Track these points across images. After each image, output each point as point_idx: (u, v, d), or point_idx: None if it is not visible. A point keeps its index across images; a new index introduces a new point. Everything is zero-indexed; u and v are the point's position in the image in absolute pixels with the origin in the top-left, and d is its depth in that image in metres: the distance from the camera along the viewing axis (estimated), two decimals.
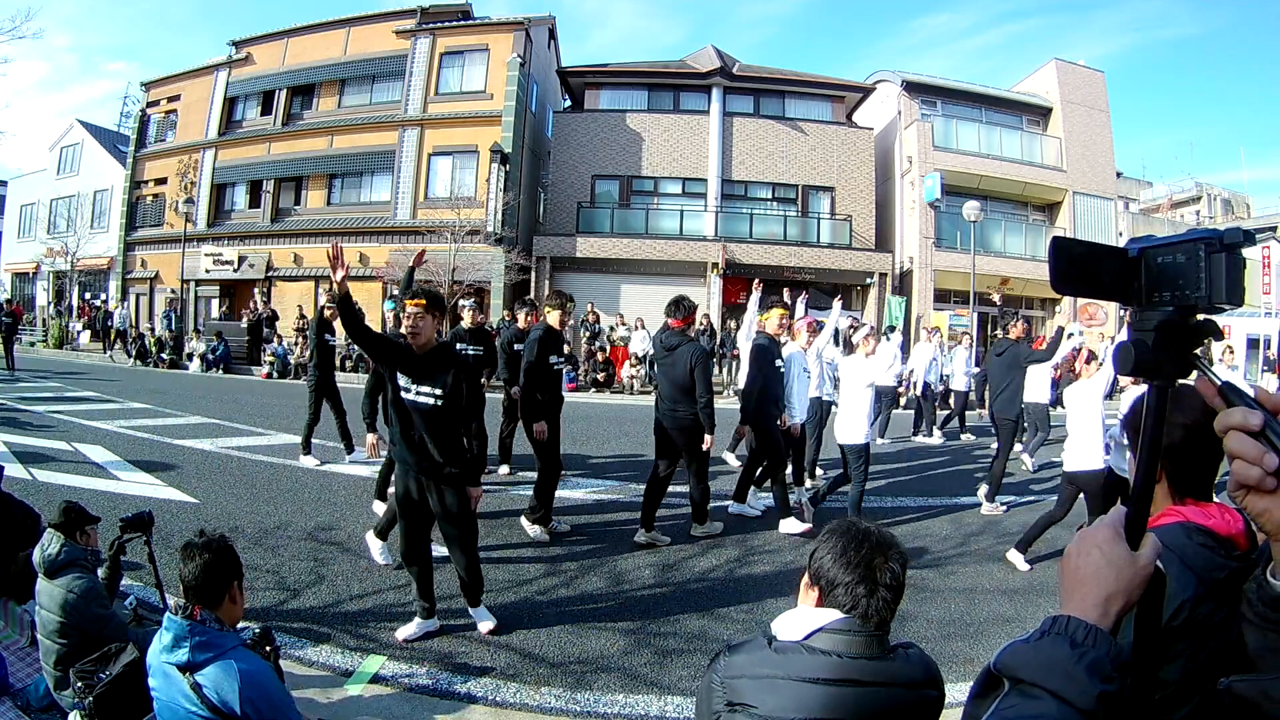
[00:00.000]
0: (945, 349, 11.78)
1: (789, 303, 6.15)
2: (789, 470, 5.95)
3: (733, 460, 7.52)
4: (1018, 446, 7.98)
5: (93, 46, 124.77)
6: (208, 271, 22.04)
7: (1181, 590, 1.05)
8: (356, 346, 3.56)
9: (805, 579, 1.38)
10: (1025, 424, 8.13)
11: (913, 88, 20.86)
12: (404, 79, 20.44)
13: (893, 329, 16.13)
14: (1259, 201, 34.12)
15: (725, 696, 1.28)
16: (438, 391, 3.40)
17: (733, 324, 17.80)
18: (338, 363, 7.92)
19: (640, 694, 3.14)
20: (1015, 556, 4.97)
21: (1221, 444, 0.73)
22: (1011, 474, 7.42)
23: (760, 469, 5.89)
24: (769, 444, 5.52)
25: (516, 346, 6.10)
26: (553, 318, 5.08)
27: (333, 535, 4.99)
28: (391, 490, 4.13)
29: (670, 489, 5.30)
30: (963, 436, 10.49)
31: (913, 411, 11.15)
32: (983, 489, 6.44)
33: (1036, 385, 8.14)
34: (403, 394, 3.43)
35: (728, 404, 8.51)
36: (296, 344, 15.85)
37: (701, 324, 14.77)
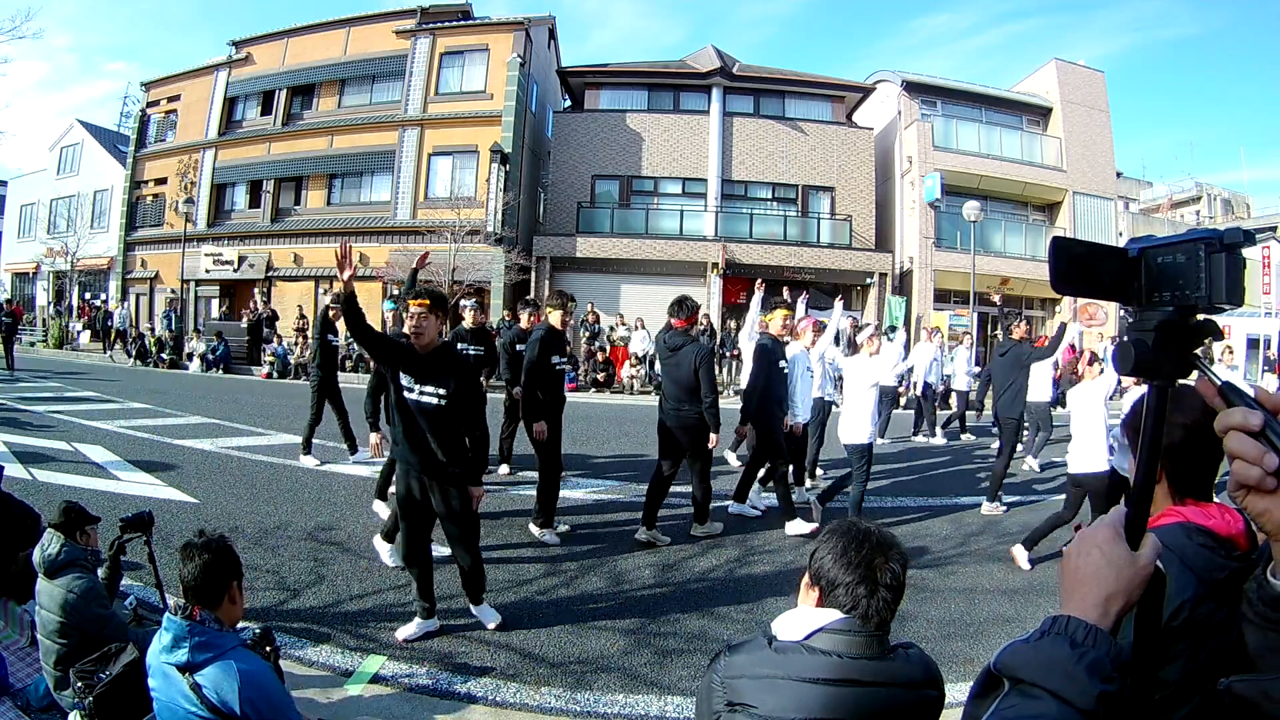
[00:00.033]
0: (945, 349, 11.78)
1: (790, 302, 6.14)
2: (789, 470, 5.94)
3: (733, 460, 7.52)
4: (1020, 449, 7.98)
5: (93, 46, 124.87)
6: (208, 271, 22.05)
7: (1181, 591, 1.05)
8: (358, 346, 3.56)
9: (805, 579, 1.38)
10: (1027, 424, 8.14)
11: (913, 88, 20.86)
12: (404, 79, 20.44)
13: (894, 329, 16.14)
14: (1259, 201, 34.16)
15: (725, 696, 1.28)
16: (441, 391, 3.41)
17: (733, 324, 17.83)
18: (338, 363, 7.90)
19: (640, 694, 3.14)
20: (1019, 552, 4.97)
21: (1221, 444, 0.73)
22: (1013, 474, 7.44)
23: (763, 470, 5.89)
24: (772, 445, 5.51)
25: (519, 347, 6.09)
26: (554, 318, 5.07)
27: (333, 535, 4.99)
28: (392, 491, 4.13)
29: (671, 489, 5.31)
30: (963, 437, 10.49)
31: (913, 412, 11.15)
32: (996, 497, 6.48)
33: (1037, 384, 8.16)
34: (405, 394, 3.43)
35: (728, 404, 8.51)
36: (296, 344, 15.86)
37: (701, 324, 14.76)
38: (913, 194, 20.02)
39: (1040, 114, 21.57)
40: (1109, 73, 47.05)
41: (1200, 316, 0.74)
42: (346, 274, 3.32)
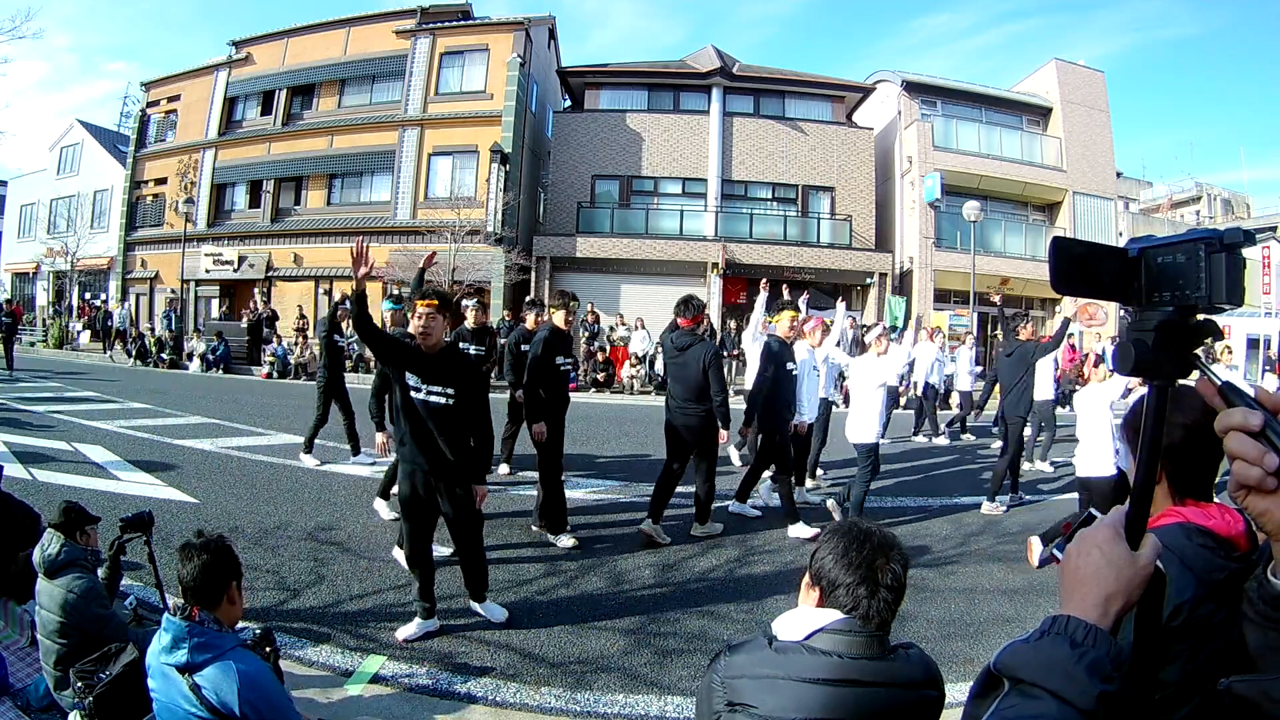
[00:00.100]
0: (946, 349, 11.78)
1: (796, 303, 6.14)
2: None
3: (736, 459, 7.53)
4: (1025, 454, 8.00)
5: (93, 46, 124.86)
6: (208, 271, 22.05)
7: (1181, 591, 1.05)
8: (365, 346, 3.56)
9: (806, 579, 1.38)
10: (1030, 424, 8.16)
11: (913, 88, 20.87)
12: (404, 79, 20.44)
13: (895, 329, 16.14)
14: (1259, 201, 34.16)
15: (725, 696, 1.28)
16: (449, 391, 3.43)
17: (733, 324, 17.84)
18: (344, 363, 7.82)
19: (640, 694, 3.14)
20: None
21: (1221, 444, 0.73)
22: (1021, 476, 7.42)
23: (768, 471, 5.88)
24: (779, 447, 5.49)
25: (524, 347, 6.07)
26: (558, 318, 5.05)
27: (333, 535, 4.99)
28: (394, 491, 4.13)
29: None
30: (964, 436, 10.49)
31: (913, 412, 11.15)
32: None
33: (1040, 383, 8.19)
34: (412, 394, 3.44)
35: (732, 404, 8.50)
36: (296, 344, 15.85)
37: (702, 325, 14.73)
38: (913, 194, 20.02)
39: (1040, 114, 21.58)
40: (1109, 73, 47.07)
41: (1200, 316, 0.74)
42: (361, 272, 3.31)
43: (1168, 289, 0.75)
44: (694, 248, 18.97)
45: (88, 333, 21.67)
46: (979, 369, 11.31)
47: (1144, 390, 0.84)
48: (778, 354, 5.42)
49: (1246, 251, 0.73)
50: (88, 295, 24.48)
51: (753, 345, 6.84)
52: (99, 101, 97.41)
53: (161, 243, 23.00)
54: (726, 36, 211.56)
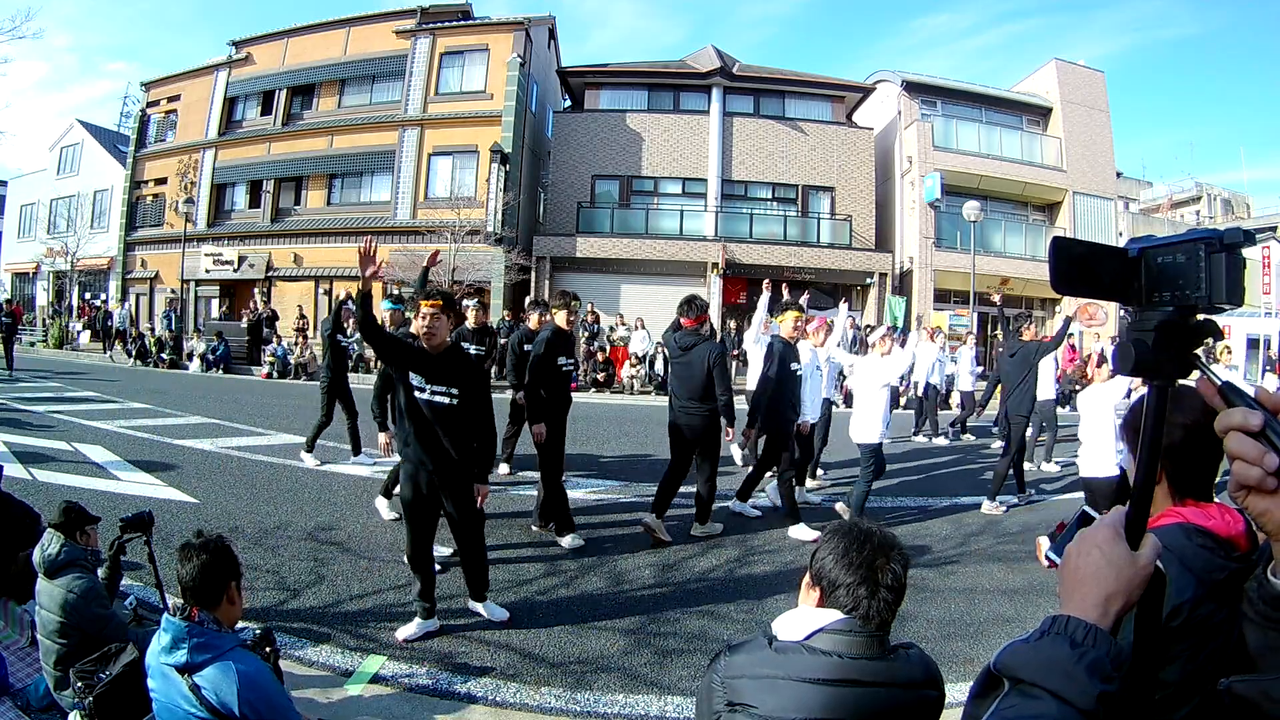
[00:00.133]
0: (946, 349, 11.78)
1: (801, 304, 6.14)
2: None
3: (738, 457, 7.53)
4: (1027, 454, 8.02)
5: (93, 46, 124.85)
6: (208, 271, 22.06)
7: (1180, 592, 1.05)
8: (369, 346, 3.55)
9: (806, 579, 1.38)
10: (1031, 424, 8.18)
11: (913, 88, 20.87)
12: (404, 79, 20.45)
13: (895, 329, 16.13)
14: (1259, 201, 34.17)
15: (725, 696, 1.28)
16: (453, 391, 3.45)
17: (732, 324, 17.84)
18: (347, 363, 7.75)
19: (640, 694, 3.14)
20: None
21: (1221, 444, 0.73)
22: (1025, 476, 7.41)
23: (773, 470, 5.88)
24: (783, 448, 5.47)
25: (526, 347, 6.06)
26: (560, 318, 5.04)
27: (333, 535, 4.98)
28: (396, 491, 4.13)
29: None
30: (964, 437, 10.49)
31: (913, 412, 11.15)
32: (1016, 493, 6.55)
33: (1042, 383, 8.23)
34: (416, 394, 3.44)
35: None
36: (296, 344, 15.85)
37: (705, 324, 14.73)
38: (913, 194, 20.03)
39: (1040, 114, 21.58)
40: (1109, 73, 47.07)
41: (1200, 316, 0.74)
42: (370, 271, 3.31)
43: (1168, 289, 0.75)
44: (694, 248, 18.97)
45: (88, 333, 21.67)
46: (980, 369, 11.31)
47: (1145, 390, 0.84)
48: (782, 354, 5.41)
49: (1246, 251, 0.73)
50: (88, 295, 24.48)
51: (754, 346, 6.84)
52: (99, 101, 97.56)
53: (161, 243, 23.00)
54: (726, 36, 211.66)
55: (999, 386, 7.34)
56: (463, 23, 21.03)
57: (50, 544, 2.63)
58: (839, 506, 5.83)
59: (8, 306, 15.50)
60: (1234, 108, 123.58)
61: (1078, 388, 14.11)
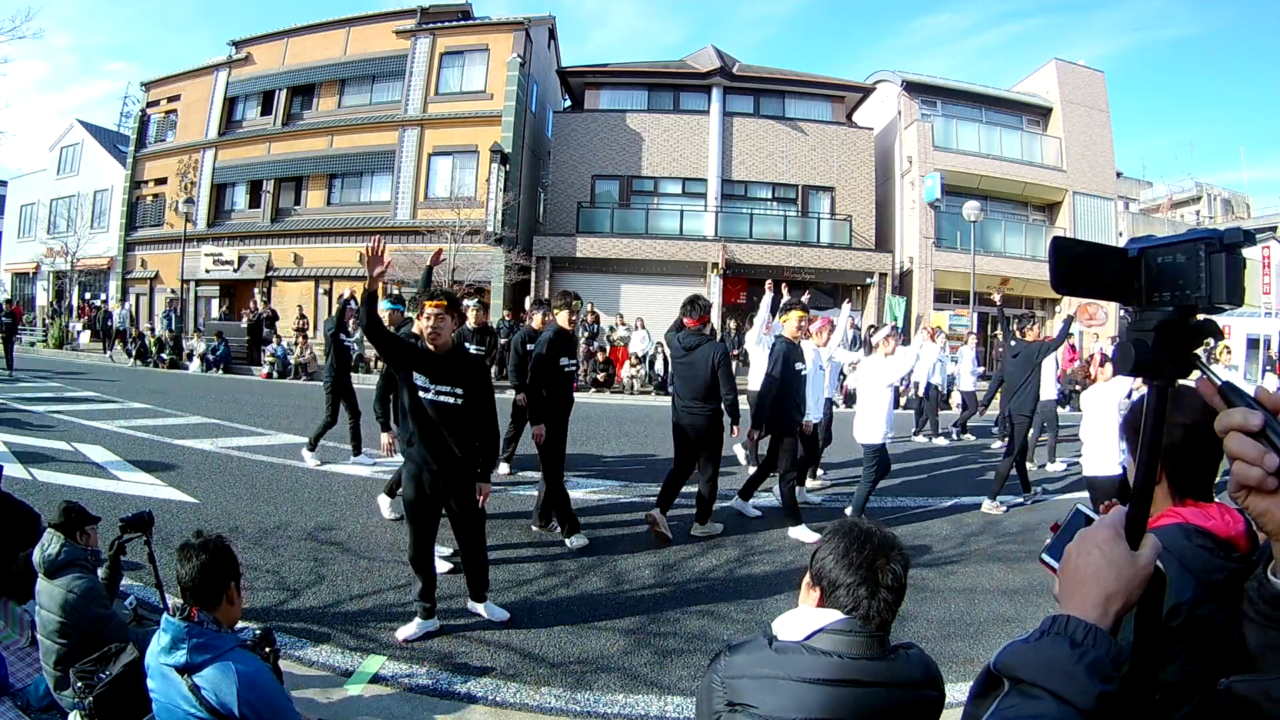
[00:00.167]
0: (946, 349, 11.78)
1: (806, 304, 6.13)
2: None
3: (741, 457, 7.52)
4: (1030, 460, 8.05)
5: (93, 46, 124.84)
6: (208, 271, 22.05)
7: (1180, 592, 1.05)
8: (372, 347, 3.57)
9: (807, 579, 1.38)
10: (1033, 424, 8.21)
11: (913, 88, 20.87)
12: (404, 79, 20.45)
13: (897, 329, 16.13)
14: (1259, 201, 34.16)
15: (726, 696, 1.28)
16: (458, 391, 3.46)
17: (732, 324, 17.84)
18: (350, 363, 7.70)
19: (640, 694, 3.14)
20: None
21: (1221, 444, 0.73)
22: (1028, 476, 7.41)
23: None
24: (790, 448, 5.44)
25: (529, 346, 6.06)
26: (562, 318, 5.04)
27: (333, 535, 4.99)
28: (400, 492, 4.13)
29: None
30: (964, 437, 10.50)
31: (913, 412, 11.15)
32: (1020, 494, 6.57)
33: (1044, 383, 8.25)
34: (421, 394, 3.45)
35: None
36: (296, 344, 15.85)
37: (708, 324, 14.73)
38: (913, 194, 20.03)
39: (1040, 114, 21.58)
40: (1109, 73, 47.09)
41: (1200, 316, 0.74)
42: (377, 271, 3.31)
43: (1168, 289, 0.75)
44: (694, 248, 18.97)
45: (88, 333, 21.67)
46: (981, 369, 11.32)
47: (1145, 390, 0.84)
48: (786, 354, 5.38)
49: (1246, 251, 0.73)
50: (88, 295, 24.48)
51: (756, 347, 6.84)
52: (99, 101, 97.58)
53: (161, 243, 23.00)
54: (726, 36, 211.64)
55: (1002, 386, 7.36)
56: (463, 23, 21.03)
57: (50, 544, 2.63)
58: (848, 511, 5.82)
59: (8, 306, 15.50)
60: (1234, 108, 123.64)
61: (1077, 388, 14.12)
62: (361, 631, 3.59)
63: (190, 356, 16.93)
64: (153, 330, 19.73)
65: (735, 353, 14.70)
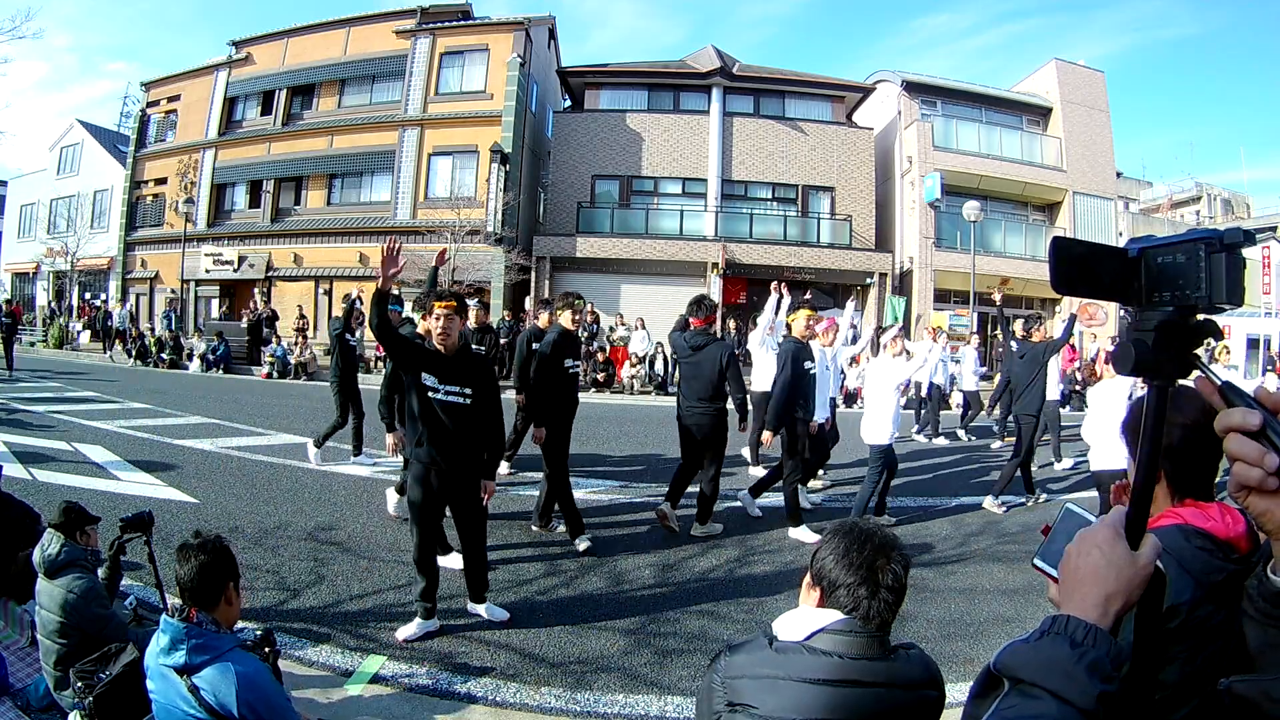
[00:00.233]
0: (947, 349, 11.76)
1: (813, 304, 6.13)
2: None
3: (747, 454, 7.52)
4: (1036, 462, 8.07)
5: (93, 46, 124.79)
6: (208, 271, 22.06)
7: (1179, 593, 1.05)
8: (381, 347, 3.57)
9: (807, 579, 1.38)
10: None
11: (913, 88, 20.87)
12: (404, 79, 20.45)
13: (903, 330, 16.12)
14: (1259, 201, 34.18)
15: (726, 697, 1.28)
16: (467, 391, 3.49)
17: (732, 324, 17.83)
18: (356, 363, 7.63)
19: (640, 694, 3.14)
20: None
21: (1220, 443, 0.73)
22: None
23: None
24: (795, 450, 5.43)
25: (535, 345, 6.04)
26: (565, 318, 5.04)
27: (333, 535, 4.99)
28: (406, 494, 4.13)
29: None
30: (964, 437, 10.50)
31: (912, 412, 11.15)
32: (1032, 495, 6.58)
33: (1048, 383, 8.28)
34: (430, 394, 3.47)
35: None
36: (296, 344, 15.86)
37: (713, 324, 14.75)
38: (913, 194, 20.03)
39: (1040, 114, 21.58)
40: (1109, 73, 47.09)
41: (1200, 316, 0.74)
42: (391, 271, 3.31)
43: (1168, 289, 0.74)
44: (694, 248, 18.97)
45: (88, 333, 21.68)
46: (983, 369, 11.33)
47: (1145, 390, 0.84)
48: (795, 354, 5.35)
49: (1246, 251, 0.73)
50: (88, 295, 24.48)
51: (759, 348, 6.83)
52: (99, 101, 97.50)
53: (161, 243, 23.01)
54: (726, 36, 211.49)
55: (1009, 386, 7.39)
56: (463, 23, 21.03)
57: (50, 544, 2.63)
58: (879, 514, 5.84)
59: (8, 306, 15.50)
60: (1234, 108, 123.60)
61: (1078, 388, 14.12)
62: (361, 631, 3.59)
63: (190, 356, 16.93)
64: (153, 330, 19.74)
65: (737, 353, 14.72)
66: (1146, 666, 0.82)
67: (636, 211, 20.01)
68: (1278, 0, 72.90)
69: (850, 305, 7.68)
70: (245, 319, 17.91)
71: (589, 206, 20.01)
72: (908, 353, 6.13)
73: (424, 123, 20.14)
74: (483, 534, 3.73)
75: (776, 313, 6.55)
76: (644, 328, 16.05)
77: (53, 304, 24.69)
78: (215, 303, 22.25)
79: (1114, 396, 4.84)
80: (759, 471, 7.18)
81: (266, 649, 2.37)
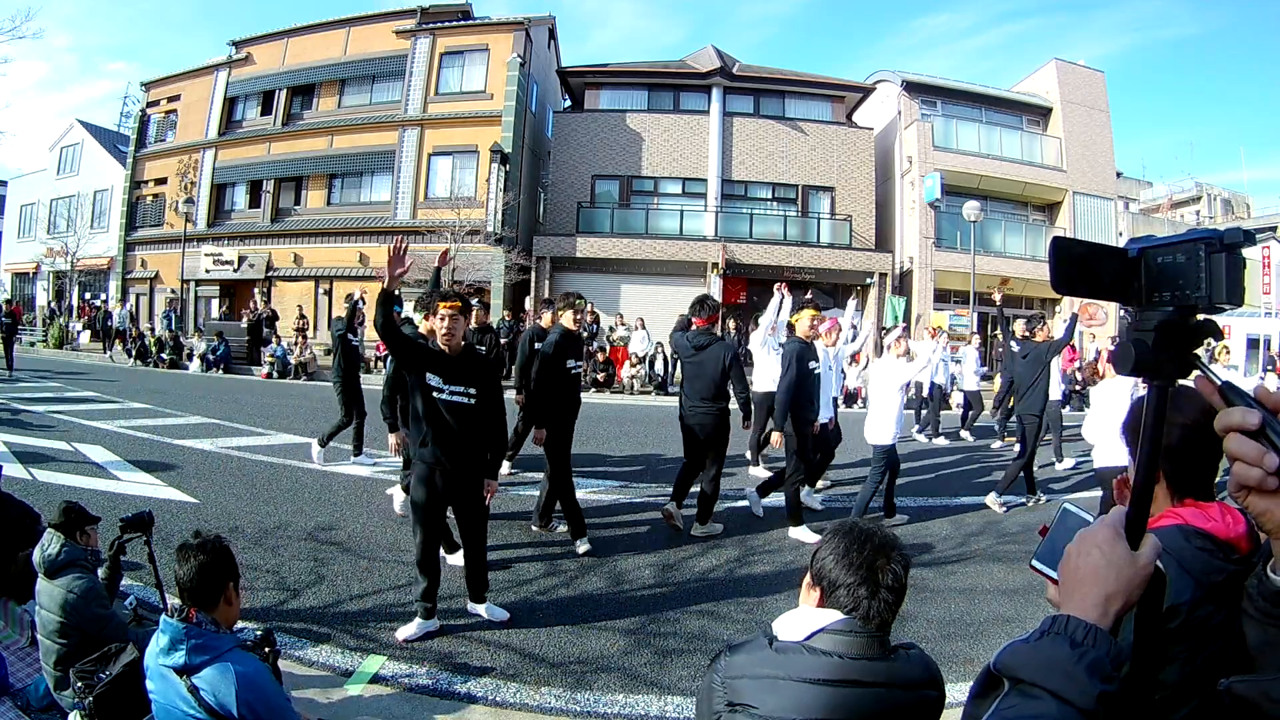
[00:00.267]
0: (947, 349, 11.76)
1: (818, 303, 6.13)
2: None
3: (750, 455, 7.51)
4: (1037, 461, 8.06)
5: (93, 46, 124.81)
6: (208, 271, 22.05)
7: (1179, 593, 1.05)
8: (385, 347, 3.56)
9: (807, 579, 1.38)
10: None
11: (913, 88, 20.87)
12: (404, 79, 20.45)
13: (907, 331, 16.10)
14: (1259, 201, 34.18)
15: (726, 697, 1.28)
16: (471, 391, 3.50)
17: (731, 324, 17.84)
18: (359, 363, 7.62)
19: (640, 694, 3.14)
20: None
21: (1219, 443, 0.73)
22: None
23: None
24: (801, 450, 5.41)
25: (538, 345, 6.03)
26: (567, 319, 5.03)
27: (333, 535, 4.98)
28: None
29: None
30: (964, 437, 10.50)
31: (911, 412, 11.14)
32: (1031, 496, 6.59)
33: (1051, 383, 8.28)
34: (435, 394, 3.47)
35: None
36: (296, 344, 15.86)
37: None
38: (913, 194, 20.02)
39: (1040, 114, 21.57)
40: (1109, 73, 47.09)
41: (1200, 316, 0.74)
42: (398, 271, 3.31)
43: (1168, 289, 0.74)
44: (694, 248, 18.97)
45: (88, 333, 21.68)
46: (984, 369, 11.34)
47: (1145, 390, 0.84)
48: (800, 354, 5.33)
49: (1246, 251, 0.73)
50: (88, 295, 24.48)
51: (761, 349, 6.83)
52: (99, 101, 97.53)
53: (161, 243, 23.01)
54: (726, 36, 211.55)
55: (1012, 386, 7.40)
56: (463, 23, 21.03)
57: (50, 544, 2.63)
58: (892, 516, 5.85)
59: (8, 306, 15.50)
60: (1234, 108, 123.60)
61: (1078, 388, 14.12)
62: (361, 631, 3.59)
63: (190, 356, 16.93)
64: (153, 330, 19.73)
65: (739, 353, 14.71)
66: (1146, 666, 0.82)
67: (636, 211, 20.01)
68: (1278, 0, 72.90)
69: (852, 304, 7.69)
70: (245, 319, 17.91)
71: (589, 206, 20.01)
72: (910, 353, 6.13)
73: (424, 123, 20.14)
74: (484, 534, 3.74)
75: (778, 313, 6.55)
76: (644, 328, 16.05)
77: (53, 304, 24.69)
78: (215, 303, 22.25)
79: (1118, 394, 4.84)
80: (759, 471, 7.19)
81: (266, 649, 2.37)
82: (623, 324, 16.72)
